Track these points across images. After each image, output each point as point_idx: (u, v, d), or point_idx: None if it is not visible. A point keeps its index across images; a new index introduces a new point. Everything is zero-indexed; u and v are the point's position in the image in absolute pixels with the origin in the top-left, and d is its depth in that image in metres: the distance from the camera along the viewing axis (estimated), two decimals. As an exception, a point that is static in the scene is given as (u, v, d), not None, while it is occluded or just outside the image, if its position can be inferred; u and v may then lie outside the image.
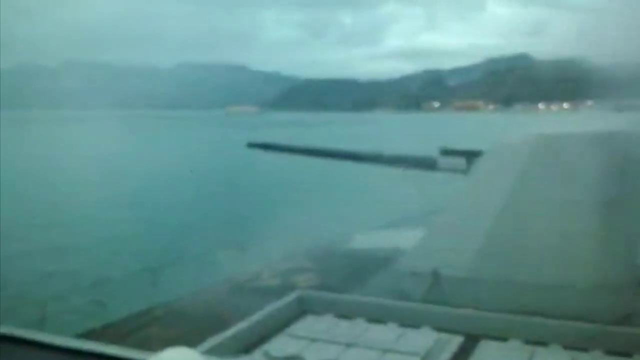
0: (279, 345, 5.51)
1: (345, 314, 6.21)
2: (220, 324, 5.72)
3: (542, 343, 5.51)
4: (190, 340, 4.92)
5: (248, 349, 5.46)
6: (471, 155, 8.40)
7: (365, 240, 10.63)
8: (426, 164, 9.33)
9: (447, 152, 9.07)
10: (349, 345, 5.44)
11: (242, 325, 5.78)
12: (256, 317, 5.96)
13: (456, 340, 5.63)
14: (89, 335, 5.79)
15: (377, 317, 6.06)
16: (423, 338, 5.57)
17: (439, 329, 5.80)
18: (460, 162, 8.61)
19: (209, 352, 4.66)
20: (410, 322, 5.95)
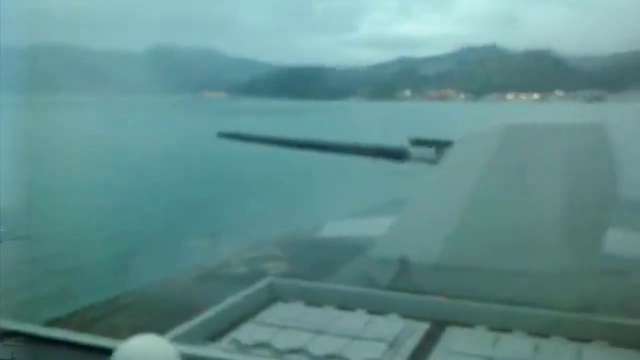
0: (247, 332, 5.52)
1: (315, 302, 6.25)
2: (189, 312, 5.69)
3: (507, 329, 5.63)
4: (158, 328, 4.88)
5: (216, 336, 5.45)
6: (441, 145, 8.49)
7: (335, 229, 10.69)
8: (396, 154, 9.38)
9: (417, 142, 9.14)
10: (318, 332, 5.48)
11: (210, 312, 5.77)
12: (225, 304, 5.95)
13: (423, 327, 5.72)
14: (55, 323, 5.73)
15: (346, 305, 6.12)
16: (390, 325, 5.64)
17: (407, 316, 5.88)
18: (430, 152, 8.70)
19: (178, 339, 4.64)
20: (378, 309, 6.02)
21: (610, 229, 7.48)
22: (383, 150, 9.89)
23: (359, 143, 10.27)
